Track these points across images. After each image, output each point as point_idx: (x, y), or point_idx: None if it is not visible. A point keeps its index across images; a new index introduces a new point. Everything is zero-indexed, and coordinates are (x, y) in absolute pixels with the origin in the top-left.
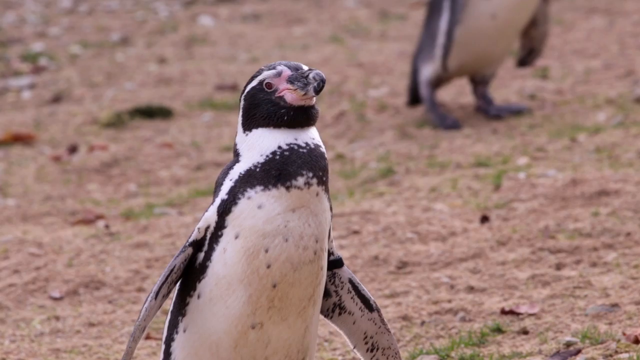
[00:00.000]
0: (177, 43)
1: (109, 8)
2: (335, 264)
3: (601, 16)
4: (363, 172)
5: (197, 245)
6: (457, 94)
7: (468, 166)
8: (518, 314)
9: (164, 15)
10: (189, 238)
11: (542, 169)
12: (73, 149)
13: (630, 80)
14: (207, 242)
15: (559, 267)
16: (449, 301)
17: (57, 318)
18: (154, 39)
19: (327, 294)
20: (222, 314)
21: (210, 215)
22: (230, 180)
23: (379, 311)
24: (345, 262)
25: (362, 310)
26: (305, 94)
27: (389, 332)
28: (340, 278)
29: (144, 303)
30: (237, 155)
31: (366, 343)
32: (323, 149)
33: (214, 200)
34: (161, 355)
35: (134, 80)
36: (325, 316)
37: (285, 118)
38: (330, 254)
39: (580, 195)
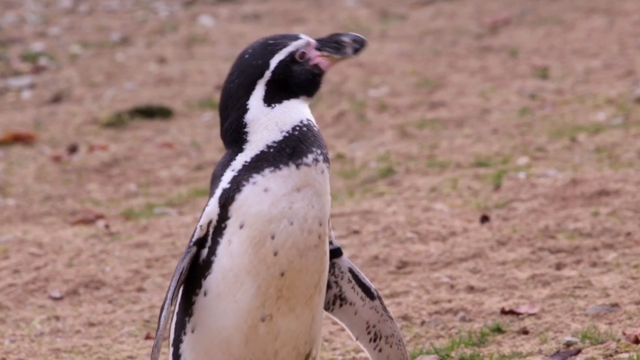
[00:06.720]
0: (177, 43)
1: (109, 8)
2: (334, 253)
3: (601, 16)
4: (363, 172)
5: (201, 243)
6: (457, 94)
7: (468, 166)
8: (518, 314)
9: (164, 15)
10: (192, 237)
11: (542, 169)
12: (73, 149)
13: (630, 80)
14: (210, 237)
15: (559, 267)
16: (449, 301)
17: (57, 318)
18: (154, 39)
19: (327, 286)
20: (231, 309)
21: (211, 209)
22: (232, 170)
23: (380, 299)
24: None
25: (363, 300)
26: (342, 57)
27: (392, 319)
28: (340, 268)
29: (161, 312)
30: (242, 138)
31: (369, 333)
32: None
33: (212, 195)
34: (170, 357)
35: (134, 80)
36: (326, 309)
37: (320, 85)
38: (329, 242)
39: (580, 195)
